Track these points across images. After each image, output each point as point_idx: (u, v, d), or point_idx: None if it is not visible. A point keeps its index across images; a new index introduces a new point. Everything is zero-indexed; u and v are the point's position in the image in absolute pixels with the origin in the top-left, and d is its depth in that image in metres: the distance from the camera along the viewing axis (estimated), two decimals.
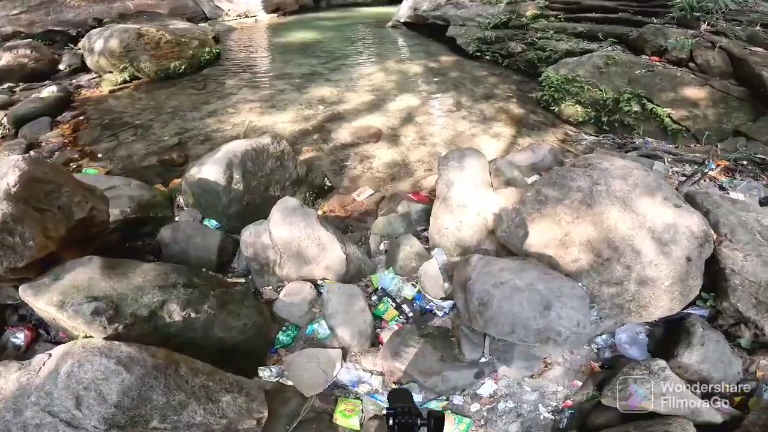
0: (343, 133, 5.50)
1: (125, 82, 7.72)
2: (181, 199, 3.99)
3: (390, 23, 11.29)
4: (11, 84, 7.84)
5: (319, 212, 4.26)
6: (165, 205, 3.88)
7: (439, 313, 2.98)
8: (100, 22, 10.66)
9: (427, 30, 9.96)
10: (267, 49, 9.85)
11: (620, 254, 2.48)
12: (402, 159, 5.15)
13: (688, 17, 6.39)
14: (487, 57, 8.06)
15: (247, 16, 13.16)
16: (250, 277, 3.30)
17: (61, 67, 8.75)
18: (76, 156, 5.17)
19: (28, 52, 8.33)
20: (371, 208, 4.39)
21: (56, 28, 10.66)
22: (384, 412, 1.36)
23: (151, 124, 6.00)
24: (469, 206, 3.22)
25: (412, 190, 4.51)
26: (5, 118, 6.29)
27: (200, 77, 7.92)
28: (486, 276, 2.55)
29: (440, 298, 3.05)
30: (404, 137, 5.56)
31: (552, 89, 5.86)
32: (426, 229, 3.59)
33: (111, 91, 7.42)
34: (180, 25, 9.89)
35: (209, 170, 3.56)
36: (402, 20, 10.82)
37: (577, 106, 5.72)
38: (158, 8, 11.95)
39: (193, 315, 2.35)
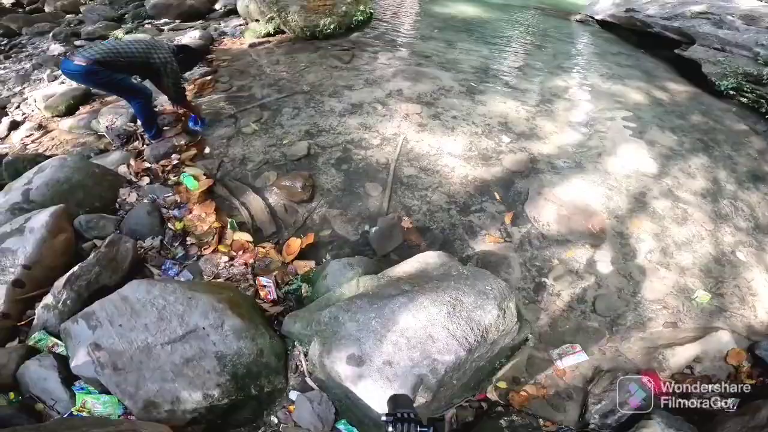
0: (546, 210, 3.17)
1: (268, 35, 5.98)
2: (302, 359, 1.99)
3: (577, 17, 8.06)
4: (167, 20, 6.50)
5: (498, 384, 2.21)
6: (275, 368, 1.92)
7: None
8: None
9: (636, 37, 6.73)
10: (425, 19, 7.37)
11: None
12: (632, 291, 2.80)
13: None
14: (745, 99, 4.94)
15: None
16: None
17: (216, 6, 7.22)
18: (183, 144, 3.49)
19: None
20: (576, 385, 2.31)
21: None
22: (383, 418, 1.01)
23: (279, 107, 4.15)
24: None
25: (644, 365, 2.40)
26: None
27: (347, 43, 5.85)
28: None
29: None
30: (636, 243, 3.10)
31: None
32: None
33: (251, 45, 5.71)
34: None
35: (371, 390, 1.59)
36: (597, 17, 7.56)
37: None
38: None
39: None
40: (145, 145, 3.43)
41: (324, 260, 2.66)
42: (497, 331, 1.76)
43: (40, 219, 2.30)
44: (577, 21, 7.99)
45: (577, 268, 2.89)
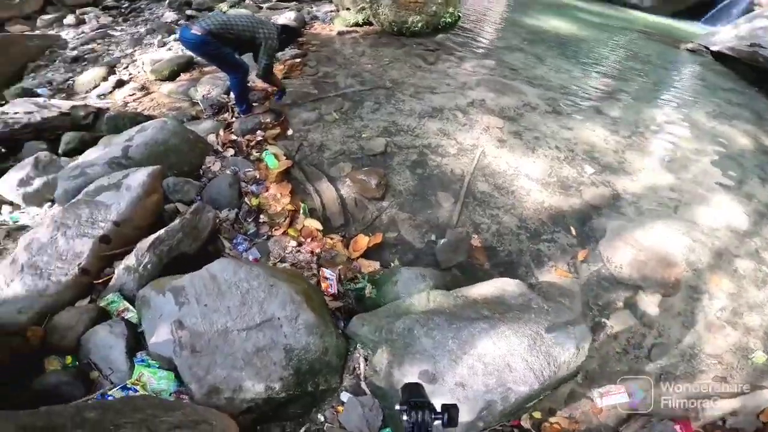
0: (621, 252, 2.92)
1: (356, 25, 6.02)
2: (362, 362, 1.95)
3: (689, 46, 7.32)
4: None
5: (533, 413, 2.16)
6: (335, 367, 1.88)
7: None
8: None
9: (755, 74, 6.00)
10: (513, 29, 7.04)
11: None
12: (690, 343, 2.60)
13: None
14: None
15: None
16: None
17: None
18: (269, 122, 3.59)
19: None
20: (608, 425, 2.23)
21: None
22: (397, 407, 1.01)
23: (360, 100, 4.15)
24: None
25: (681, 413, 2.28)
26: None
27: (433, 44, 5.74)
28: None
29: None
30: (709, 299, 2.82)
31: None
32: None
33: (339, 33, 5.78)
34: None
35: None
36: (713, 48, 6.82)
37: None
38: None
39: None
40: (234, 118, 3.56)
41: (392, 264, 2.62)
42: (567, 369, 1.65)
43: (138, 177, 2.40)
44: (687, 50, 7.27)
45: (641, 315, 2.69)
